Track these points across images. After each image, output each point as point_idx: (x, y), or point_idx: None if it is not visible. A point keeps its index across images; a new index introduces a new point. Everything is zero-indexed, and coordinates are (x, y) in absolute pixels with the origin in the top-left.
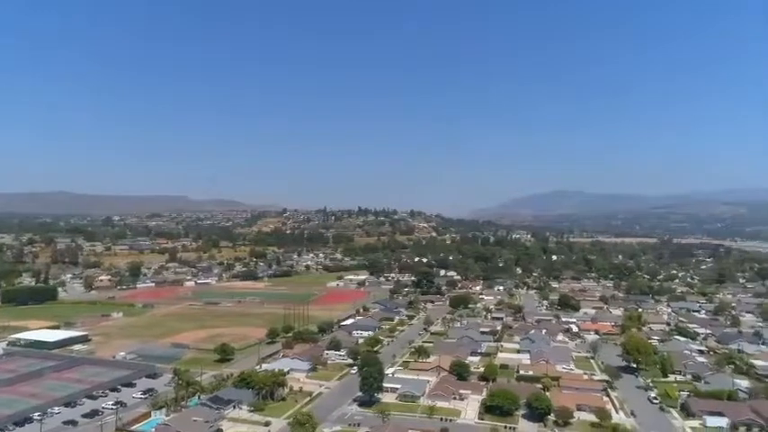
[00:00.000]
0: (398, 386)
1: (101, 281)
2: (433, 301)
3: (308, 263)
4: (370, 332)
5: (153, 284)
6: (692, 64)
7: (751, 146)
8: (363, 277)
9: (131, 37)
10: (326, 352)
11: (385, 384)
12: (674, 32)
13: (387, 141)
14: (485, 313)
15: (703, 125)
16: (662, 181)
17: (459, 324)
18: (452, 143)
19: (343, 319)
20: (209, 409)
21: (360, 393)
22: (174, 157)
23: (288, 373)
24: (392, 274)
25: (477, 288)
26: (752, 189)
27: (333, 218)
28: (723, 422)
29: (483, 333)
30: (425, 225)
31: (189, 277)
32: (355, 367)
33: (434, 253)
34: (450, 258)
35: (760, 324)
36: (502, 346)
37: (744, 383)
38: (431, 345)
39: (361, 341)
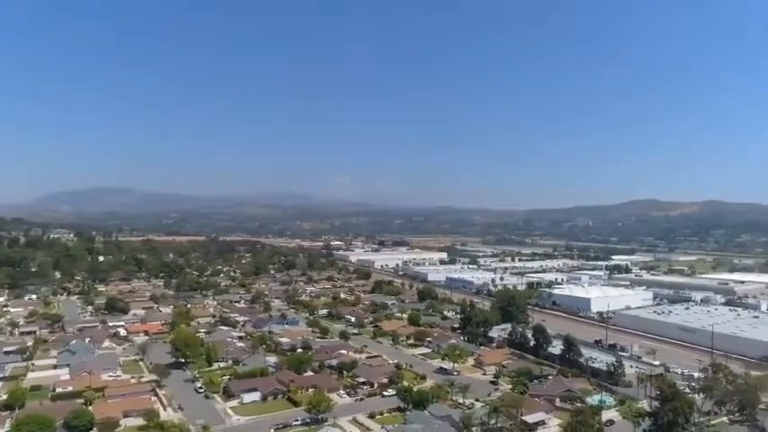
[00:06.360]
0: None
1: None
2: None
3: None
4: None
5: None
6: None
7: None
8: None
9: None
10: None
11: None
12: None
13: None
14: (11, 329)
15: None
16: (208, 183)
17: None
18: None
19: None
20: None
21: None
22: None
23: None
24: None
25: (2, 299)
26: (283, 194)
27: None
28: (257, 396)
29: (8, 353)
30: None
31: None
32: None
33: None
34: None
35: (285, 307)
36: (34, 364)
37: (272, 359)
38: None
39: None
